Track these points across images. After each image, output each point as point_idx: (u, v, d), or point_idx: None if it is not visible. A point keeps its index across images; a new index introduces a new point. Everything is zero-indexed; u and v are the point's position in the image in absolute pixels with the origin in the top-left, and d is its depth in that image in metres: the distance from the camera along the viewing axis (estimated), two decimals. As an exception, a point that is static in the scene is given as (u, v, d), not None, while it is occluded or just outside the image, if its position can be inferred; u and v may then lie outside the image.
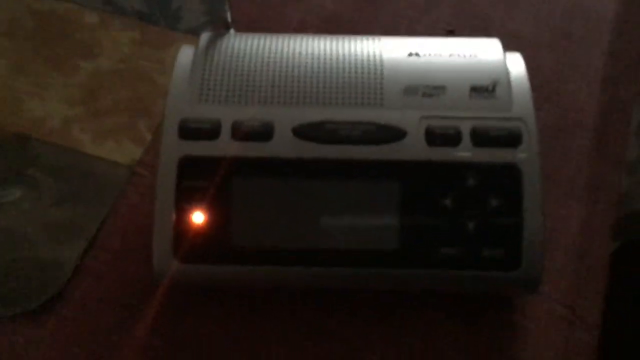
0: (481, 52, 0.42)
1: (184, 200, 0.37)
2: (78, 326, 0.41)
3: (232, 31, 0.44)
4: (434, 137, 0.38)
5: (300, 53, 0.41)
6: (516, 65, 0.42)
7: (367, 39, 0.43)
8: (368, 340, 0.41)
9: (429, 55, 0.42)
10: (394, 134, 0.39)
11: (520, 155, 0.38)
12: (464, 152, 0.38)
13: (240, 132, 0.38)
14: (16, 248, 0.43)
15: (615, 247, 0.44)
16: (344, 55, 0.41)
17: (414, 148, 0.38)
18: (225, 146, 0.38)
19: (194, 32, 0.53)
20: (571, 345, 0.42)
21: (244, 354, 0.41)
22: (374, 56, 0.41)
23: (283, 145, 0.38)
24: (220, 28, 0.44)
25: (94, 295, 0.42)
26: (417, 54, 0.42)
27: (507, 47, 0.43)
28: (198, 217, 0.37)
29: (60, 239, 0.44)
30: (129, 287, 0.42)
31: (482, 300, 0.42)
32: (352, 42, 0.43)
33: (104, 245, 0.44)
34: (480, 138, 0.38)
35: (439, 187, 0.38)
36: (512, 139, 0.38)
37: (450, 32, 0.48)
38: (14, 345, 0.40)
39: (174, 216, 0.37)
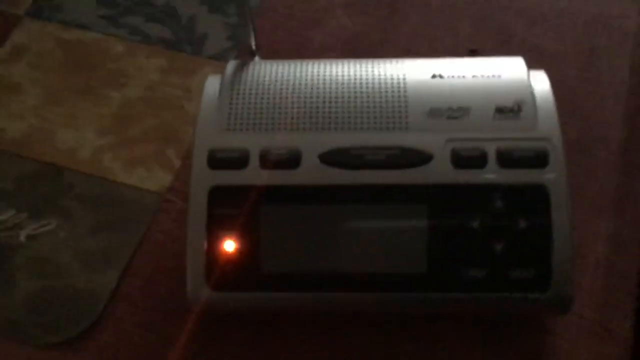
0: (505, 71, 0.42)
1: (215, 230, 0.38)
2: (116, 351, 0.42)
3: (257, 58, 0.45)
4: (460, 159, 0.39)
5: (324, 79, 0.42)
6: (541, 84, 0.41)
7: (390, 62, 0.43)
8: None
9: (453, 76, 0.42)
10: (419, 158, 0.39)
11: (547, 175, 0.38)
12: (491, 174, 0.38)
13: (268, 161, 0.39)
14: (54, 277, 0.44)
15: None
16: (367, 79, 0.42)
17: (440, 171, 0.39)
18: (254, 175, 0.39)
19: (219, 58, 0.54)
20: (604, 362, 0.41)
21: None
22: (398, 79, 0.42)
23: (310, 173, 0.39)
24: (246, 55, 0.45)
25: (130, 320, 0.43)
26: (440, 76, 0.42)
27: (529, 61, 0.43)
28: (229, 246, 0.38)
29: (95, 267, 0.45)
30: (164, 312, 0.43)
31: (512, 319, 0.42)
32: (376, 66, 0.43)
33: (137, 271, 0.45)
34: (507, 159, 0.39)
35: (466, 210, 0.38)
36: (538, 160, 0.39)
37: (473, 52, 0.48)
38: (54, 373, 0.41)
39: (205, 245, 0.38)
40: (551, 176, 0.38)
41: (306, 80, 0.42)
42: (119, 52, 0.55)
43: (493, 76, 0.42)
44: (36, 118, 0.52)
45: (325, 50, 0.55)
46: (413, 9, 0.57)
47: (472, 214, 0.38)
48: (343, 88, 0.41)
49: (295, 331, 0.42)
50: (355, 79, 0.42)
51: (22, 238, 0.46)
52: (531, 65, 0.43)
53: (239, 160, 0.39)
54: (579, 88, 0.53)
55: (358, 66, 0.43)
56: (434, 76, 0.42)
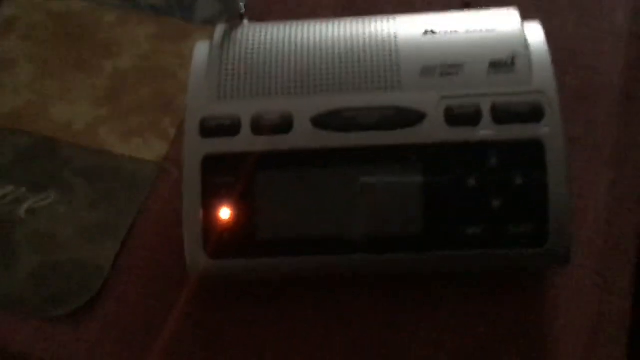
0: (499, 24, 0.41)
1: (210, 198, 0.38)
2: (120, 321, 0.43)
3: (245, 22, 0.44)
4: (454, 117, 0.38)
5: (314, 40, 0.41)
6: (535, 35, 0.41)
7: (381, 20, 0.42)
8: (396, 321, 0.42)
9: (445, 32, 0.41)
10: (413, 117, 0.38)
11: (543, 129, 0.38)
12: (486, 131, 0.38)
13: (260, 127, 0.39)
14: (55, 251, 0.45)
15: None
16: (358, 39, 0.41)
17: (434, 130, 0.38)
18: (247, 141, 0.39)
19: (210, 22, 0.53)
20: (605, 313, 0.41)
21: (274, 340, 0.42)
22: (389, 37, 0.41)
23: (303, 137, 0.38)
24: (235, 19, 0.44)
25: (133, 290, 0.44)
26: (432, 32, 0.41)
27: (526, 11, 0.42)
28: (225, 213, 0.38)
29: (96, 239, 0.45)
30: (166, 280, 0.44)
31: (511, 274, 0.42)
32: (367, 24, 0.42)
33: (138, 241, 0.45)
34: (501, 115, 0.38)
35: (462, 168, 0.38)
36: (533, 114, 0.38)
37: (467, 5, 0.47)
38: (61, 344, 0.42)
39: (201, 213, 0.38)
40: (547, 130, 0.38)
41: (295, 42, 0.41)
42: (110, 21, 0.55)
43: (486, 30, 0.41)
44: (30, 92, 0.52)
45: (317, 10, 0.54)
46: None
47: (467, 171, 0.38)
48: (334, 49, 0.41)
49: (295, 296, 0.43)
50: (345, 39, 0.41)
51: (22, 213, 0.46)
52: (527, 14, 0.42)
53: (231, 128, 0.39)
54: (577, 36, 0.52)
55: (348, 25, 0.42)
56: (426, 32, 0.41)
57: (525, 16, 0.42)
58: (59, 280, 0.44)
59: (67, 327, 0.42)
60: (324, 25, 0.42)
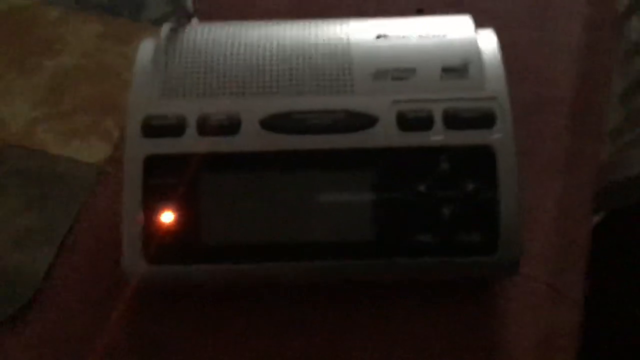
0: (452, 30, 0.41)
1: (151, 200, 0.37)
2: (51, 330, 0.40)
3: (194, 21, 0.43)
4: (405, 122, 0.38)
5: (264, 41, 0.40)
6: (488, 42, 0.41)
7: (334, 23, 0.42)
8: (347, 331, 0.41)
9: (398, 37, 0.41)
10: (364, 121, 0.38)
11: (494, 136, 0.37)
12: (437, 136, 0.37)
13: (206, 127, 0.37)
14: (-16, 257, 0.42)
15: (600, 218, 0.44)
16: (310, 41, 0.40)
17: (386, 134, 0.37)
18: (192, 142, 0.37)
19: (159, 23, 0.51)
20: (555, 324, 0.41)
21: (220, 350, 0.40)
22: (342, 41, 0.40)
23: (251, 139, 0.37)
24: (183, 18, 0.43)
25: (67, 299, 0.41)
26: (385, 36, 0.41)
27: (480, 23, 0.42)
28: (167, 217, 0.37)
29: (29, 244, 0.43)
30: (102, 288, 0.42)
31: (462, 284, 0.42)
32: (319, 27, 0.41)
33: (75, 247, 0.43)
34: (453, 120, 0.38)
35: (413, 173, 0.37)
36: (485, 120, 0.38)
37: (420, 11, 0.47)
38: (-11, 356, 0.40)
39: (142, 217, 0.36)
40: (498, 136, 0.37)
41: (245, 42, 0.40)
42: (52, 18, 0.53)
43: (440, 35, 0.41)
44: (-36, 89, 0.49)
45: (269, 13, 0.53)
46: (362, -30, 0.56)
47: (418, 177, 0.37)
48: (284, 50, 0.40)
49: (240, 303, 0.41)
50: (297, 40, 0.40)
51: (-50, 216, 0.44)
52: (482, 24, 0.42)
53: (176, 128, 0.37)
54: (531, 48, 0.52)
55: (300, 28, 0.41)
56: (378, 36, 0.41)
57: (480, 26, 0.42)
58: (-12, 287, 0.41)
59: (-3, 337, 0.40)
60: (275, 26, 0.41)
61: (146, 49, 0.40)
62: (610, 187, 0.44)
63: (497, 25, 0.42)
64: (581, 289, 0.42)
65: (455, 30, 0.41)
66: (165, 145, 0.37)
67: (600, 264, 0.43)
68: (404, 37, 0.41)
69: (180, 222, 0.37)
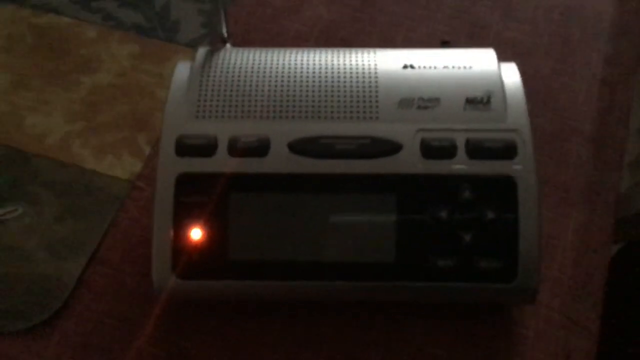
0: (476, 63, 0.42)
1: (181, 217, 0.38)
2: (80, 340, 0.42)
3: (228, 46, 0.44)
4: (429, 150, 0.39)
5: (295, 67, 0.42)
6: (511, 75, 0.42)
7: (363, 52, 0.43)
8: (363, 350, 0.41)
9: (424, 67, 0.42)
10: (389, 148, 0.39)
11: (515, 167, 0.38)
12: (460, 165, 0.38)
13: (237, 148, 0.39)
14: (20, 264, 0.44)
15: (618, 248, 0.44)
16: (339, 68, 0.42)
17: (409, 161, 0.39)
18: (222, 162, 0.38)
19: (193, 45, 0.54)
20: (570, 354, 0.42)
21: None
22: (369, 69, 0.42)
23: (279, 161, 0.38)
24: (217, 42, 0.44)
25: (96, 309, 0.43)
26: (411, 66, 0.42)
27: (504, 54, 0.43)
28: (196, 234, 0.38)
29: (61, 254, 0.44)
30: (130, 300, 0.43)
31: (479, 310, 0.43)
32: (348, 55, 0.43)
33: (105, 259, 0.45)
34: (475, 150, 0.39)
35: (435, 200, 0.38)
36: (507, 151, 0.39)
37: (446, 43, 0.48)
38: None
39: (172, 233, 0.38)
40: (519, 168, 0.38)
41: (277, 68, 0.42)
42: (91, 37, 0.55)
43: (464, 67, 0.42)
44: (4, 103, 0.51)
45: (300, 39, 0.55)
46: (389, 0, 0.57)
47: (440, 204, 0.38)
48: (314, 77, 0.41)
49: (263, 319, 0.42)
50: (326, 68, 0.42)
51: (-12, 224, 0.45)
52: (505, 57, 0.43)
53: (207, 148, 0.39)
54: (552, 80, 0.53)
55: (330, 55, 0.43)
56: (405, 66, 0.42)
57: (503, 59, 0.43)
58: (20, 293, 0.43)
59: (24, 343, 0.41)
60: (305, 53, 0.43)
61: (182, 70, 0.42)
62: (628, 219, 0.44)
63: (520, 56, 0.43)
64: (596, 319, 0.43)
65: (479, 62, 0.42)
66: (197, 164, 0.38)
67: (617, 293, 0.43)
68: (429, 67, 0.42)
69: (208, 238, 0.38)
